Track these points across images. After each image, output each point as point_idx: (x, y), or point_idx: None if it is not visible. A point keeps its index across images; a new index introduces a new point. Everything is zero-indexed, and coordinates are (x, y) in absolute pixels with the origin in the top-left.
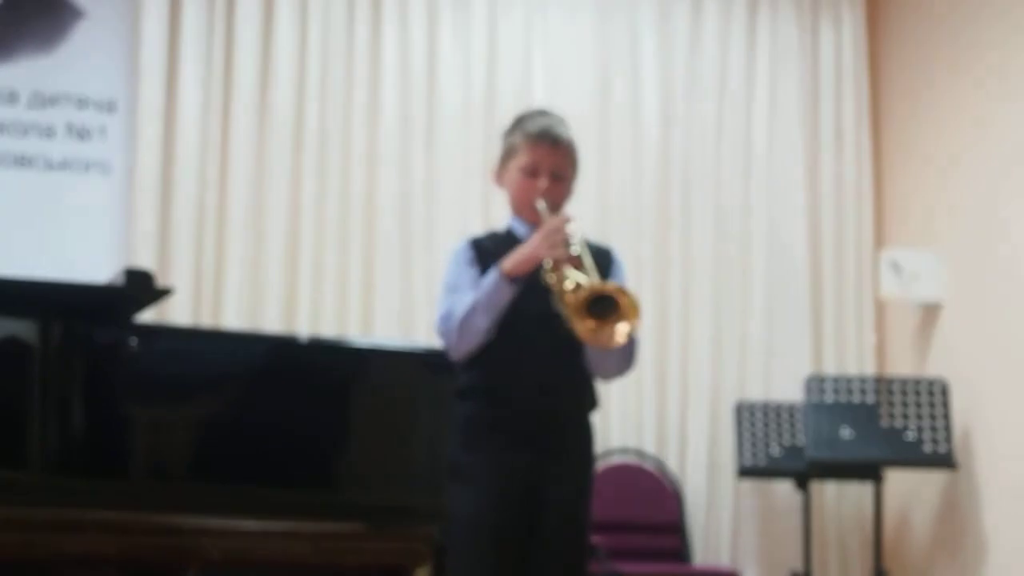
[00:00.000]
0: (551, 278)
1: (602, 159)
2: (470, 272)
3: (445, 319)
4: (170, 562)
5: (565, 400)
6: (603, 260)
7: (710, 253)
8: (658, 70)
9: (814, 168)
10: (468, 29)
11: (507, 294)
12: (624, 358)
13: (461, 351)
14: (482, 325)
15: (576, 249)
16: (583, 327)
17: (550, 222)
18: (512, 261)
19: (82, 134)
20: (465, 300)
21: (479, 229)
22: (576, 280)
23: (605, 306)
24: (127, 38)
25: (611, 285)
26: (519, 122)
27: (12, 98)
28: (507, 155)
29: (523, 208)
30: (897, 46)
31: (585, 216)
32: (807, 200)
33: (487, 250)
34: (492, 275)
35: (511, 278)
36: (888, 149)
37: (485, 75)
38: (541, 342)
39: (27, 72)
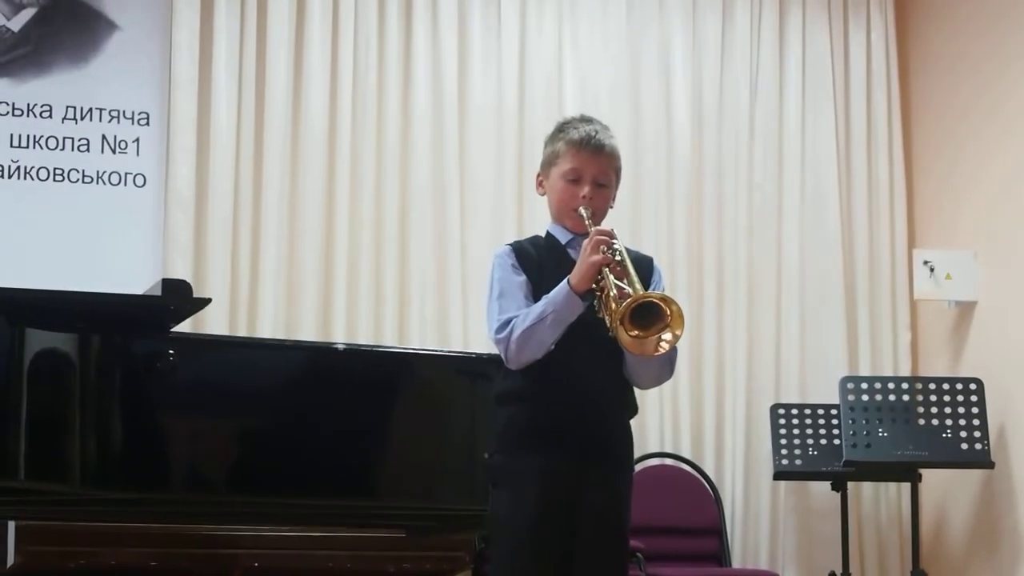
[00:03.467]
0: (595, 286)
1: (634, 163)
2: (517, 278)
3: (503, 328)
4: (209, 573)
5: (606, 405)
6: (645, 269)
7: (744, 256)
8: (689, 75)
9: (847, 170)
10: (499, 36)
11: (578, 309)
12: (664, 368)
13: (522, 362)
14: (548, 338)
15: (619, 258)
16: (627, 336)
17: (596, 232)
18: (577, 275)
19: (116, 147)
20: (530, 311)
21: (513, 235)
22: (621, 288)
23: (649, 315)
24: (160, 50)
25: (656, 294)
26: (562, 128)
27: (47, 112)
28: (549, 161)
29: (564, 215)
30: (927, 48)
31: (618, 220)
32: (840, 202)
33: (528, 255)
34: (562, 290)
35: (580, 294)
36: (920, 150)
37: (516, 81)
38: (582, 348)
39: (61, 86)
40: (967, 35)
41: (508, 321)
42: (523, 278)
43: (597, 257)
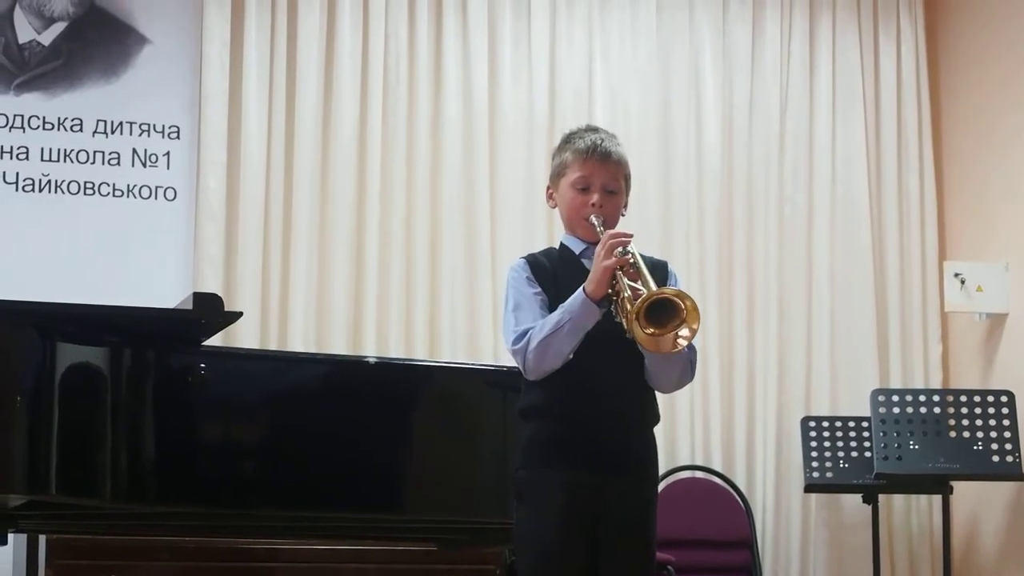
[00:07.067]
0: (610, 289)
1: (664, 175)
2: (532, 290)
3: (520, 339)
4: None
5: (627, 416)
6: (660, 273)
7: (774, 269)
8: (719, 87)
9: (877, 182)
10: (529, 47)
11: (594, 316)
12: (685, 370)
13: (541, 372)
14: (566, 347)
15: (633, 260)
16: (643, 334)
17: (609, 234)
18: (592, 282)
19: (147, 160)
20: (546, 321)
21: (543, 247)
22: (635, 289)
23: (665, 312)
24: (191, 63)
25: (670, 289)
26: (568, 139)
27: (78, 125)
28: (557, 173)
29: (576, 224)
30: (958, 59)
31: (648, 232)
32: (871, 213)
33: (543, 267)
34: (578, 298)
35: (596, 300)
36: (951, 161)
37: (547, 93)
38: (602, 359)
39: (92, 99)
40: (998, 45)
41: (525, 332)
42: (537, 290)
43: (610, 261)
